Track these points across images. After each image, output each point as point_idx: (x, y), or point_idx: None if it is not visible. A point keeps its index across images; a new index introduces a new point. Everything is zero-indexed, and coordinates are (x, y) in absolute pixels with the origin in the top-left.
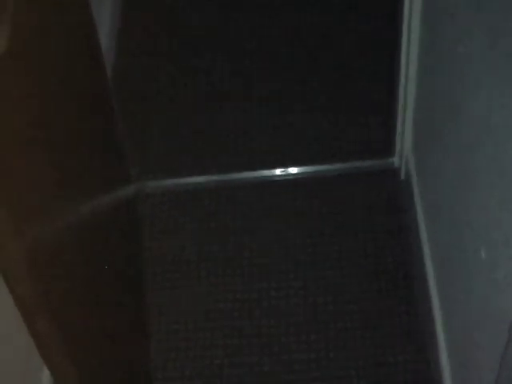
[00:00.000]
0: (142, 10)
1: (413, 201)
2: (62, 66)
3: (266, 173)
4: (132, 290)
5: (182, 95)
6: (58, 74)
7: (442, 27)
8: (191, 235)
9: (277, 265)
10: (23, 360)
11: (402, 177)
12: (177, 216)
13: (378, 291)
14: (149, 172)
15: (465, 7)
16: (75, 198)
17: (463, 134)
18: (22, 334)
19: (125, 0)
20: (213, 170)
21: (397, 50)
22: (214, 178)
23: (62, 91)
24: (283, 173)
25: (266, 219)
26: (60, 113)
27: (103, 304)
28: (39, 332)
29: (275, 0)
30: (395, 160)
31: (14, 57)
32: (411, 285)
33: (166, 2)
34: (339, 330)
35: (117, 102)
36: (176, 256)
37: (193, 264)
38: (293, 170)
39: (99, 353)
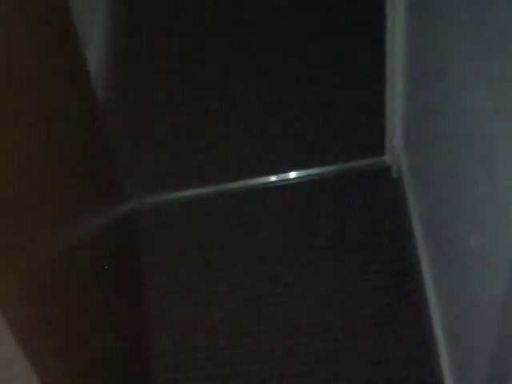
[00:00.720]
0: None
1: (405, 197)
2: (53, 88)
3: (261, 180)
4: (131, 306)
5: (171, 109)
6: (49, 96)
7: (428, 30)
8: (190, 247)
9: (276, 268)
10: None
11: (394, 174)
12: (174, 229)
13: (377, 286)
14: (143, 188)
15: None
16: (69, 219)
17: (449, 131)
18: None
19: (115, 19)
20: (209, 180)
21: (384, 50)
22: (211, 188)
23: (53, 110)
24: (277, 179)
25: (263, 225)
26: (51, 133)
27: (100, 322)
28: (34, 355)
29: (264, 6)
30: (386, 158)
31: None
32: (407, 278)
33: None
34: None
35: (108, 120)
36: (176, 267)
37: (193, 274)
38: (287, 176)
39: (98, 372)
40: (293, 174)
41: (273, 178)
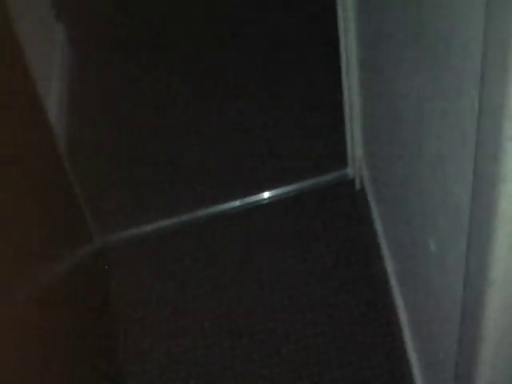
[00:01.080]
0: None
1: (369, 208)
2: (13, 136)
3: (226, 205)
4: (102, 351)
5: (132, 136)
6: (11, 145)
7: (376, 38)
8: (158, 280)
9: (240, 291)
10: None
11: (358, 186)
12: (142, 264)
13: (344, 299)
14: (109, 225)
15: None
16: (34, 264)
17: (403, 139)
18: None
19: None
20: (174, 210)
21: (339, 63)
22: (176, 219)
23: (16, 157)
24: (242, 203)
25: (232, 248)
26: (15, 180)
27: (69, 366)
28: None
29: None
30: (349, 171)
31: None
32: (374, 286)
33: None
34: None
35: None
36: (144, 300)
37: (163, 308)
38: (251, 199)
39: None
40: (257, 196)
41: (236, 203)
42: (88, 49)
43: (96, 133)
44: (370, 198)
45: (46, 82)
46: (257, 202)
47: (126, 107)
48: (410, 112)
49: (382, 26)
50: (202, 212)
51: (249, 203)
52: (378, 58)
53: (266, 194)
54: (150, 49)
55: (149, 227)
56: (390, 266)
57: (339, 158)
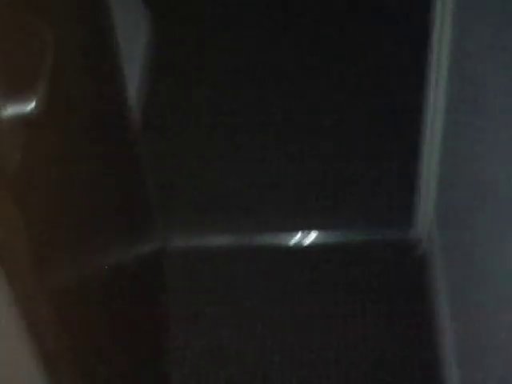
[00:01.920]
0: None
1: (433, 276)
2: (93, 125)
3: (284, 237)
4: (153, 348)
5: (210, 152)
6: (89, 132)
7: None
8: (210, 295)
9: (285, 335)
10: None
11: (423, 250)
12: (197, 276)
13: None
14: (173, 231)
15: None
16: (99, 251)
17: (488, 215)
18: None
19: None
20: (238, 230)
21: (420, 123)
22: (235, 239)
23: (91, 146)
24: (301, 238)
25: (281, 286)
26: (89, 166)
27: (125, 358)
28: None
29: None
30: (416, 232)
31: (48, 119)
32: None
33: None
34: None
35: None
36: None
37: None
38: (311, 236)
39: None
40: (316, 235)
41: (294, 237)
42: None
43: (172, 122)
44: (436, 266)
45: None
46: (316, 240)
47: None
48: (498, 190)
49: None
50: (261, 239)
51: (307, 240)
52: (468, 124)
53: (327, 235)
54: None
55: (209, 241)
56: (450, 349)
57: (408, 216)
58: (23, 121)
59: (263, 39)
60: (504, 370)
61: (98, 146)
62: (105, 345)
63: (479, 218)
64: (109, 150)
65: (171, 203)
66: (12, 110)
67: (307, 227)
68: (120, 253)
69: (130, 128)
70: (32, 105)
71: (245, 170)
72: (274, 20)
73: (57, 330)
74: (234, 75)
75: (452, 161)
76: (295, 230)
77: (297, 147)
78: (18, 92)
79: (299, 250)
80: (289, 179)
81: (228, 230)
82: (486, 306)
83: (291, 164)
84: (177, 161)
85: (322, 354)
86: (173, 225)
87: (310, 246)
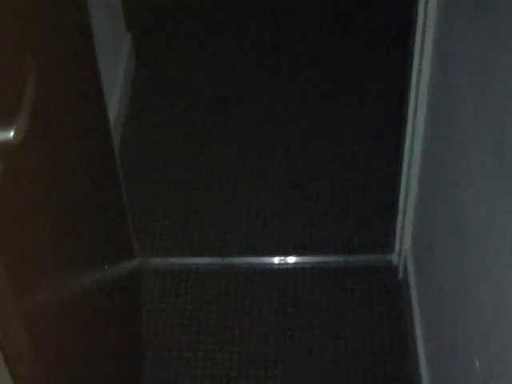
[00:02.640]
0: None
1: (409, 300)
2: (74, 141)
3: (265, 260)
4: (130, 366)
5: (187, 173)
6: (70, 150)
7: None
8: (190, 315)
9: (269, 353)
10: None
11: (400, 275)
12: (174, 295)
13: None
14: (151, 248)
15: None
16: (77, 268)
17: (464, 243)
18: None
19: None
20: (213, 251)
21: (400, 149)
22: (214, 260)
23: (71, 162)
24: (281, 261)
25: (262, 306)
26: (69, 183)
27: (102, 377)
28: None
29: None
30: (394, 257)
31: (29, 145)
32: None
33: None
34: None
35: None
36: (173, 335)
37: (190, 343)
38: (291, 260)
39: None
40: (296, 259)
41: (274, 260)
42: (152, 57)
43: (150, 149)
44: (412, 290)
45: (109, 85)
46: (296, 264)
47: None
48: (474, 220)
49: (454, 125)
50: (243, 260)
51: (287, 264)
52: (445, 157)
53: (306, 259)
54: (215, 58)
55: (189, 260)
56: (424, 370)
57: (386, 242)
58: (2, 149)
59: (246, 54)
60: None
61: (77, 169)
62: (81, 366)
63: (452, 246)
64: (87, 170)
65: (148, 225)
66: None
67: (286, 251)
68: (97, 273)
69: (109, 154)
70: (10, 134)
71: (223, 194)
72: (256, 38)
73: (31, 353)
74: (211, 92)
75: (429, 189)
76: (275, 253)
77: (275, 170)
78: None
79: (280, 271)
80: (268, 203)
81: (204, 252)
82: (455, 331)
83: (270, 187)
84: (154, 181)
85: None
86: (149, 245)
87: (287, 269)
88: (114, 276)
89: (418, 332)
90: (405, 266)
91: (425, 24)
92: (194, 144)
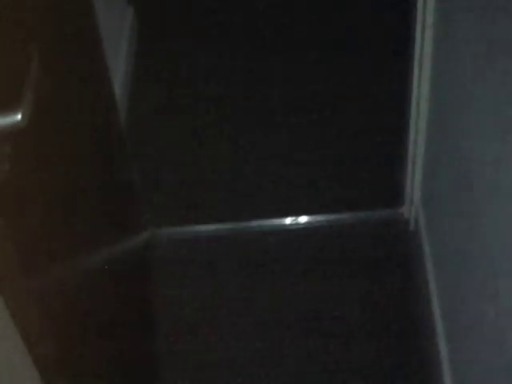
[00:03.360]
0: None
1: (422, 252)
2: (81, 121)
3: (276, 221)
4: (144, 338)
5: (194, 142)
6: (77, 129)
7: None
8: (200, 283)
9: (283, 316)
10: None
11: (412, 228)
12: (187, 264)
13: (385, 345)
14: (160, 219)
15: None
16: (87, 243)
17: (474, 192)
18: None
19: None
20: (224, 217)
21: (406, 102)
22: (226, 226)
23: (79, 140)
24: (293, 222)
25: (274, 269)
26: (76, 162)
27: (117, 351)
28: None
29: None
30: (404, 210)
31: (35, 128)
32: (419, 338)
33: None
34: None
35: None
36: (186, 304)
37: (203, 311)
38: (303, 219)
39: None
40: (307, 219)
41: (285, 221)
42: (154, 33)
43: (156, 121)
44: (424, 242)
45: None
46: (308, 223)
47: (189, 99)
48: (482, 170)
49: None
50: (252, 223)
51: (299, 224)
52: (453, 103)
53: (318, 218)
54: (220, 38)
55: (197, 228)
56: (439, 326)
57: (396, 195)
58: (9, 132)
59: (251, 43)
60: (490, 338)
61: (84, 147)
62: (95, 343)
63: (462, 196)
64: (95, 148)
65: (158, 195)
66: None
67: (296, 211)
68: (107, 249)
69: (116, 128)
70: (18, 117)
71: (232, 159)
72: (262, 29)
73: (46, 329)
74: (217, 75)
75: (437, 140)
76: (286, 213)
77: (284, 134)
78: (2, 105)
79: (292, 231)
80: (276, 164)
81: (217, 217)
82: (470, 277)
83: (278, 150)
84: (162, 154)
85: (313, 326)
86: (159, 216)
87: (299, 229)
88: (126, 250)
89: (432, 285)
90: (416, 219)
91: None
92: (199, 114)
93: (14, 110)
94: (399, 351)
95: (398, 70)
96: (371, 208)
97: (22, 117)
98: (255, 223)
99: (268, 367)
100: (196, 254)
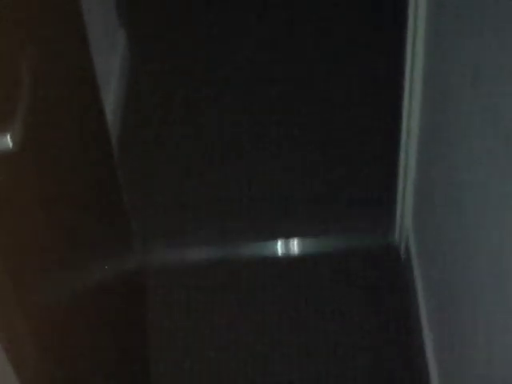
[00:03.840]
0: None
1: (413, 280)
2: (71, 145)
3: (268, 246)
4: (135, 360)
5: (185, 164)
6: (68, 151)
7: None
8: (193, 308)
9: (273, 343)
10: None
11: (402, 255)
12: (177, 289)
13: (377, 370)
14: (152, 243)
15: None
16: (79, 266)
17: (465, 218)
18: None
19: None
20: (215, 241)
21: (397, 126)
22: (218, 251)
23: (71, 164)
24: (284, 246)
25: (266, 295)
26: (69, 185)
27: (107, 374)
28: None
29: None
30: (395, 238)
31: (26, 152)
32: (410, 365)
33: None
34: None
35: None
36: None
37: (194, 335)
38: (293, 244)
39: None
40: (297, 243)
41: (276, 247)
42: (147, 55)
43: (145, 151)
44: (415, 270)
45: (104, 82)
46: (298, 248)
47: (183, 115)
48: (473, 197)
49: (448, 103)
50: (243, 249)
51: (289, 249)
52: (443, 131)
53: (308, 243)
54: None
55: (191, 252)
56: (429, 349)
57: (387, 222)
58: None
59: (243, 50)
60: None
61: (76, 168)
62: (87, 364)
63: (453, 223)
64: (87, 167)
65: (147, 219)
66: None
67: (288, 236)
68: (99, 271)
69: (108, 146)
70: (7, 140)
71: (225, 180)
72: (252, 39)
73: (36, 351)
74: (207, 87)
75: (427, 169)
76: (278, 238)
77: (278, 157)
78: None
79: (282, 258)
80: (270, 189)
81: (208, 242)
82: (460, 302)
83: (272, 173)
84: (154, 174)
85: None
86: (151, 240)
87: (290, 255)
88: (116, 272)
89: (422, 307)
90: (406, 246)
91: None
92: (187, 141)
93: (4, 134)
94: (389, 380)
95: (387, 96)
96: (362, 235)
97: (12, 140)
98: (245, 247)
99: None
100: (186, 278)
